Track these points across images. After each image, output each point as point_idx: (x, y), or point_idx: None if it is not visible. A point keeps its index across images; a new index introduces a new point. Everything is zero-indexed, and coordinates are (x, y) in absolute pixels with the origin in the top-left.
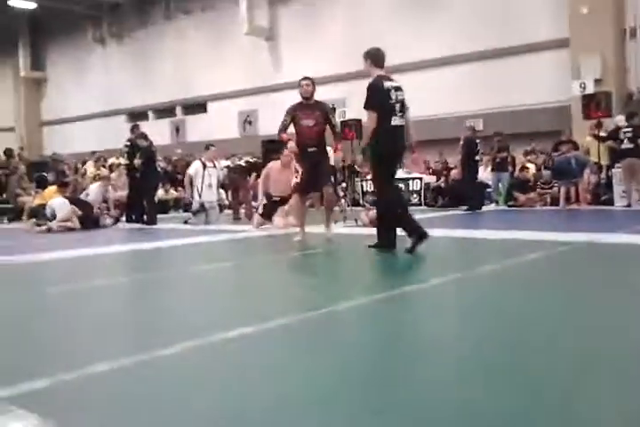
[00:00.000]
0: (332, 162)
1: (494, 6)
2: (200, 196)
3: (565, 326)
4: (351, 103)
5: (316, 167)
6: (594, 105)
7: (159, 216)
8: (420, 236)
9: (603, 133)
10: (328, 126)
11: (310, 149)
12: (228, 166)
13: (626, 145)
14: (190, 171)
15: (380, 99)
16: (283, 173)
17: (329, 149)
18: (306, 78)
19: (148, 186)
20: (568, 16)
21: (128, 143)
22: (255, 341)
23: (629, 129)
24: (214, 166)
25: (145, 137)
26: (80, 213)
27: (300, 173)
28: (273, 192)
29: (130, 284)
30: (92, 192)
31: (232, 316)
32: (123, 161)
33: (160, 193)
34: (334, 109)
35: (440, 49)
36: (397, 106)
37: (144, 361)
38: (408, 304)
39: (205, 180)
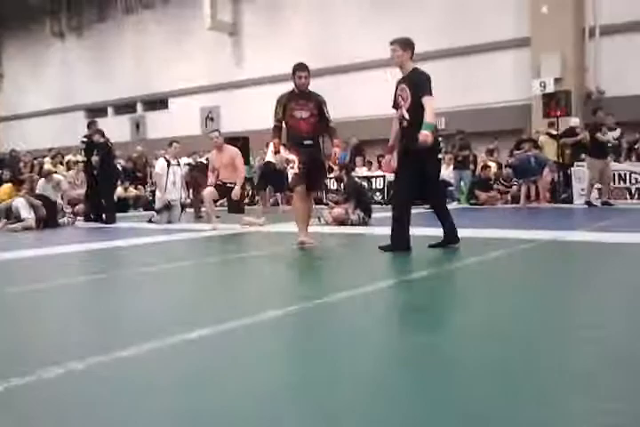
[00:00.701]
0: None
1: (457, 6)
2: (164, 194)
3: (520, 321)
4: None
5: (312, 163)
6: (554, 104)
7: (119, 215)
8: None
9: (554, 132)
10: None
11: (305, 143)
12: (189, 164)
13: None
14: (157, 169)
15: None
16: (219, 159)
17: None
18: (302, 68)
19: (106, 184)
20: (529, 16)
21: (85, 140)
22: (213, 342)
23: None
24: (178, 164)
25: (101, 133)
26: (44, 212)
27: (297, 163)
28: (223, 180)
29: (90, 283)
30: (40, 190)
31: (191, 317)
32: (80, 158)
33: (119, 191)
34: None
35: None
36: None
37: (102, 363)
38: (373, 302)
39: (170, 177)
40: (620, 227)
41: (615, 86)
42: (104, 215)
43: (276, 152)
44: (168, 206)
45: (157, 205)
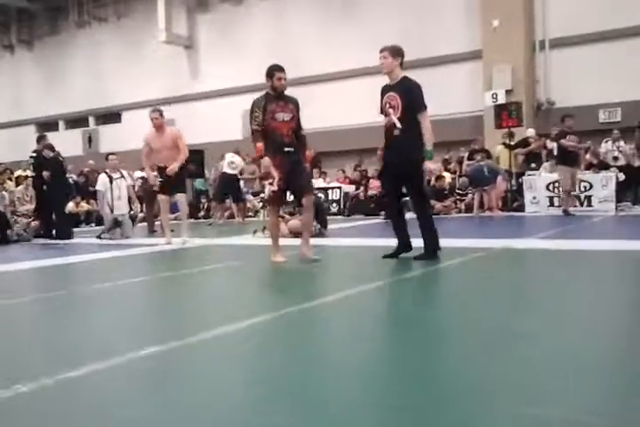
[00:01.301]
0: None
1: (411, 18)
2: (112, 210)
3: (467, 329)
4: None
5: (294, 169)
6: (505, 115)
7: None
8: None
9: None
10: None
11: (287, 149)
12: (142, 177)
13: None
14: (99, 186)
15: None
16: (158, 140)
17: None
18: (280, 69)
19: (57, 199)
20: (481, 29)
21: (34, 155)
22: (163, 361)
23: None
24: (122, 176)
25: (51, 148)
26: None
27: (277, 179)
28: (158, 162)
29: (39, 302)
30: None
31: (144, 333)
32: (29, 173)
33: (70, 206)
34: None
35: (358, 60)
36: None
37: (47, 386)
38: (328, 314)
39: (114, 192)
40: (569, 234)
41: (565, 97)
42: (55, 231)
43: (261, 157)
44: (117, 222)
45: (106, 222)
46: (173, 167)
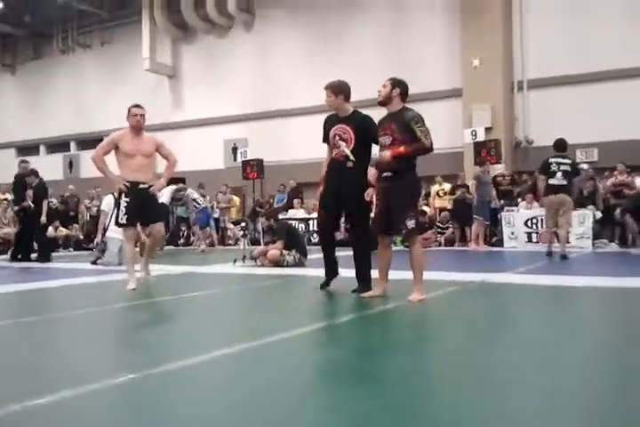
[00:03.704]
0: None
1: (394, 55)
2: (103, 234)
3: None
4: (254, 144)
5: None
6: (484, 152)
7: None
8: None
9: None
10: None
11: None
12: None
13: (559, 181)
14: (103, 207)
15: None
16: (133, 142)
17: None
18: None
19: (40, 223)
20: (461, 68)
21: (14, 179)
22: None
23: (566, 161)
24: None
25: (35, 174)
26: None
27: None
28: (126, 175)
29: (14, 327)
30: None
31: (117, 360)
32: (9, 197)
33: (49, 230)
34: (235, 149)
35: None
36: None
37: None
38: (288, 349)
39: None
40: (545, 270)
41: (542, 136)
42: (35, 255)
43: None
44: (116, 245)
45: (110, 245)
46: (161, 182)
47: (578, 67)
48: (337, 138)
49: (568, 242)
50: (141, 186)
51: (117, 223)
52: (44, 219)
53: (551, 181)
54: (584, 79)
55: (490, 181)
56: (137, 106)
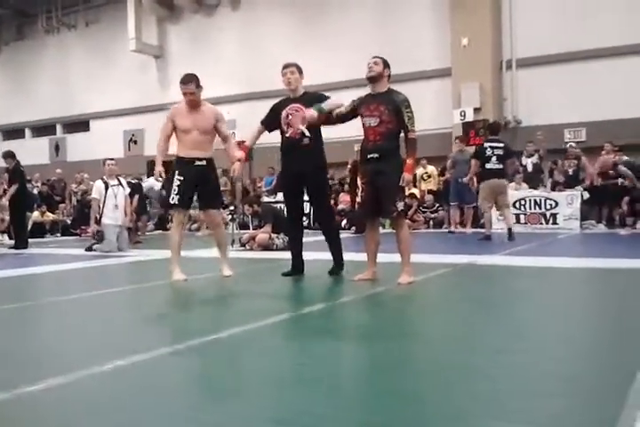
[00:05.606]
0: None
1: (381, 36)
2: (98, 221)
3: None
4: (242, 125)
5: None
6: (473, 133)
7: (36, 240)
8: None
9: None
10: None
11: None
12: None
13: (494, 165)
14: (94, 194)
15: None
16: (190, 118)
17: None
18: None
19: (18, 207)
20: (450, 47)
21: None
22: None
23: (499, 145)
24: (119, 184)
25: (12, 156)
26: None
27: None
28: (179, 152)
29: None
30: None
31: (101, 348)
32: None
33: (35, 215)
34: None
35: (331, 74)
36: None
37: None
38: (294, 329)
39: (109, 201)
40: (532, 251)
41: (531, 116)
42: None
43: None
44: (101, 235)
45: (107, 233)
46: (237, 167)
47: (567, 45)
48: (289, 117)
49: (556, 223)
50: (197, 162)
51: (167, 204)
52: (4, 202)
53: (487, 166)
54: (573, 58)
55: (467, 159)
56: (184, 81)
